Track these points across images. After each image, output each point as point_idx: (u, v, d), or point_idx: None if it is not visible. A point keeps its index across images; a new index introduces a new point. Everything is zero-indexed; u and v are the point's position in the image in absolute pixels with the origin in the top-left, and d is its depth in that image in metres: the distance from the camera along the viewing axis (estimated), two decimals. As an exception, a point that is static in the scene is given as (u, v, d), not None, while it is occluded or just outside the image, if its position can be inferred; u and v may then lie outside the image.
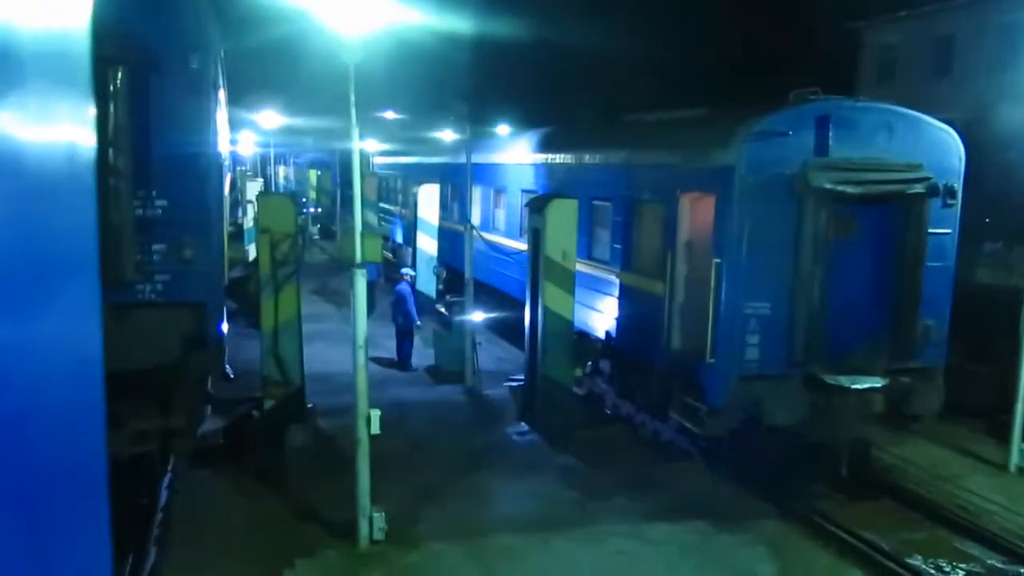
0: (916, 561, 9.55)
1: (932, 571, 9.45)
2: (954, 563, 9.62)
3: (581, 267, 13.79)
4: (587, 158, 15.34)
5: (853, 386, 10.52)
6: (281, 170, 62.81)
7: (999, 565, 9.62)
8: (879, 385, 10.67)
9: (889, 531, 10.23)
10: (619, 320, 13.57)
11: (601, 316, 14.14)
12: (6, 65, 1.43)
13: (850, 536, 9.89)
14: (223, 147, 11.78)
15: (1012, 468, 12.34)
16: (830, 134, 10.65)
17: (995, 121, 24.00)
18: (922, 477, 12.02)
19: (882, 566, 9.32)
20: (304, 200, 47.31)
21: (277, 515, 10.16)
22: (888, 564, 9.31)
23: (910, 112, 11.37)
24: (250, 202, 24.93)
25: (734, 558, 9.47)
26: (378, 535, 9.40)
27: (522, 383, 14.76)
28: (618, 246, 13.64)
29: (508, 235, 18.81)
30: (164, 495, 10.21)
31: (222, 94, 11.40)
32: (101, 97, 7.84)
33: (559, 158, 16.51)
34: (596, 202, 14.45)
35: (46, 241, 1.70)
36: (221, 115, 10.71)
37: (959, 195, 11.26)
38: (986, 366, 14.20)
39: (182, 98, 8.97)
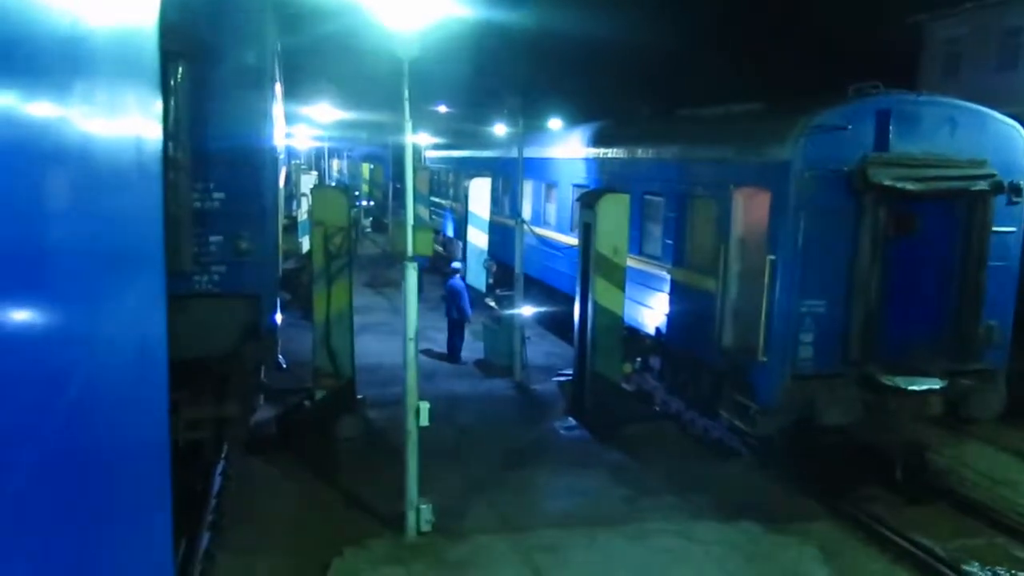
0: (973, 568, 9.30)
1: (990, 579, 9.22)
2: (1013, 571, 9.35)
3: (632, 262, 13.70)
4: (639, 153, 15.22)
5: (910, 387, 10.29)
6: (335, 164, 63.53)
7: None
8: (937, 387, 10.42)
9: (945, 537, 9.98)
10: (670, 316, 13.46)
11: (651, 312, 14.04)
12: (80, 61, 1.47)
13: (905, 541, 9.67)
14: (279, 141, 11.96)
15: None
16: (890, 129, 10.42)
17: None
18: (980, 482, 11.71)
19: (938, 572, 9.10)
20: (357, 193, 47.79)
21: (326, 504, 10.32)
22: (944, 571, 9.09)
23: (974, 106, 11.06)
24: (304, 195, 25.27)
25: (783, 560, 9.33)
26: (425, 527, 9.49)
27: (571, 378, 14.73)
28: (670, 241, 13.52)
29: (559, 230, 18.78)
30: (218, 481, 10.42)
31: (278, 88, 11.56)
32: (162, 91, 8.00)
33: (611, 153, 16.41)
34: (648, 197, 14.34)
35: (115, 230, 1.74)
36: (277, 109, 10.87)
37: (1025, 193, 10.95)
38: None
39: (239, 92, 9.11)
